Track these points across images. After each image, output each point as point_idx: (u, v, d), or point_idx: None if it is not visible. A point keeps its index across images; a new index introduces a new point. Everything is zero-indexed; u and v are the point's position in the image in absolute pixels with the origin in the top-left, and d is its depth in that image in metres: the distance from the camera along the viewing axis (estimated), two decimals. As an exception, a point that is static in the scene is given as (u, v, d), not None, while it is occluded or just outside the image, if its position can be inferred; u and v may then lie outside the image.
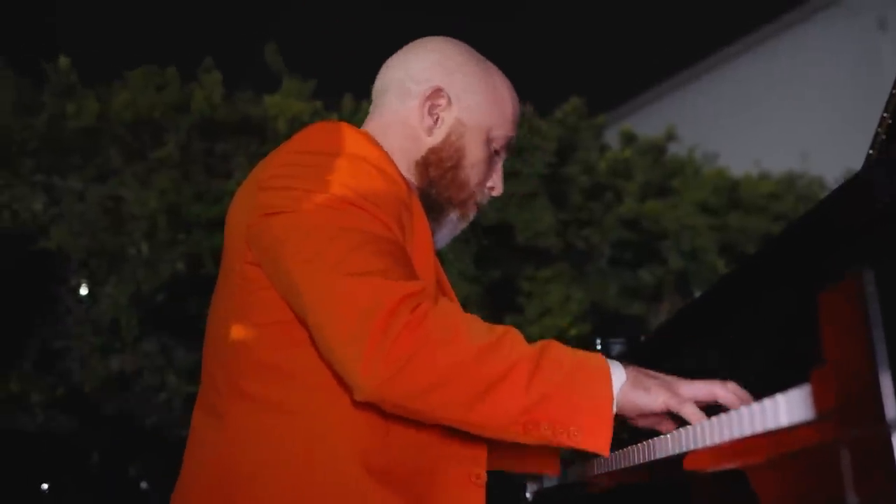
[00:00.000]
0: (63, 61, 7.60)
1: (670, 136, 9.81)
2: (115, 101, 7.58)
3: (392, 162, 1.49)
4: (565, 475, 1.80)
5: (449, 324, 1.25)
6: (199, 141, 7.74)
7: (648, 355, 1.98)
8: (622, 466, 1.36)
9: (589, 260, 8.92)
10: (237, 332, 1.40)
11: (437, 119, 1.58)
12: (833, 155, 8.72)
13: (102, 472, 6.95)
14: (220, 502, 1.34)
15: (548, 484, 1.98)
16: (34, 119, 7.39)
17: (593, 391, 1.24)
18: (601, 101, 10.46)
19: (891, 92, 1.59)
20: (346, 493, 1.31)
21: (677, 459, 1.11)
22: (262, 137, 7.83)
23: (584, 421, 1.23)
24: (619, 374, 1.27)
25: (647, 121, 11.82)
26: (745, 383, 1.28)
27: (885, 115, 1.56)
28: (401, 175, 1.49)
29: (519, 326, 1.31)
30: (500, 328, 1.28)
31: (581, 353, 1.28)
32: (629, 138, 9.82)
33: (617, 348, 2.25)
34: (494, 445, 1.48)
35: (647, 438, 1.29)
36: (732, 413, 0.96)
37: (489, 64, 1.66)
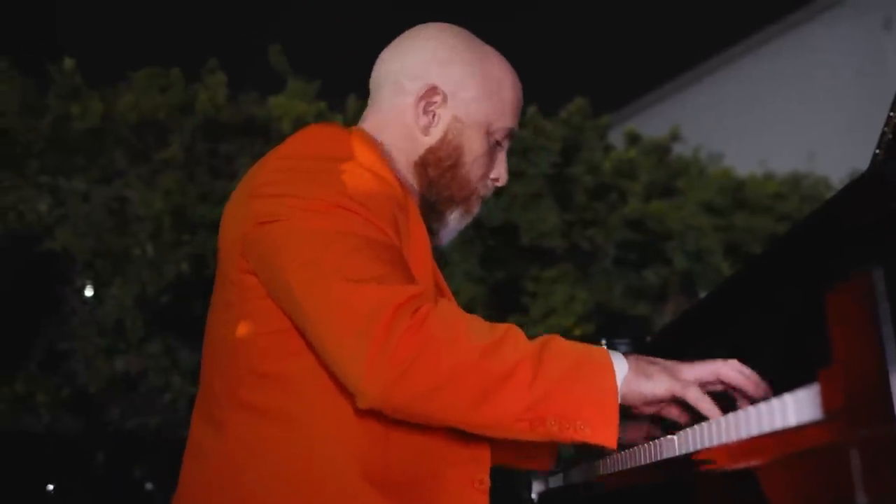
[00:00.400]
0: (68, 63, 7.61)
1: (675, 137, 9.79)
2: (120, 103, 7.59)
3: (386, 163, 1.47)
4: (570, 475, 1.80)
5: (450, 325, 1.24)
6: (203, 142, 7.74)
7: (654, 356, 1.97)
8: (629, 466, 1.36)
9: (594, 260, 8.91)
10: (235, 340, 1.39)
11: (433, 117, 1.54)
12: (838, 155, 8.71)
13: (107, 472, 6.95)
14: None
15: (553, 484, 1.97)
16: (39, 121, 7.41)
17: (597, 384, 1.23)
18: (606, 101, 10.46)
19: (897, 91, 1.58)
20: (346, 501, 1.30)
21: (684, 459, 1.11)
22: (266, 138, 7.83)
23: (590, 414, 1.22)
24: (621, 365, 1.26)
25: (652, 121, 11.81)
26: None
27: (891, 114, 1.55)
28: (396, 176, 1.47)
29: (523, 327, 1.29)
30: (501, 327, 1.27)
31: (582, 347, 1.27)
32: (634, 138, 9.81)
33: (622, 349, 2.24)
34: (493, 444, 1.46)
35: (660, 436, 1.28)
36: (740, 413, 0.95)
37: (487, 50, 1.60)
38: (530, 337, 1.28)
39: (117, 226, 7.26)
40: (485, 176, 1.59)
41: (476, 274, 8.12)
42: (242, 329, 1.38)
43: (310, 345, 1.32)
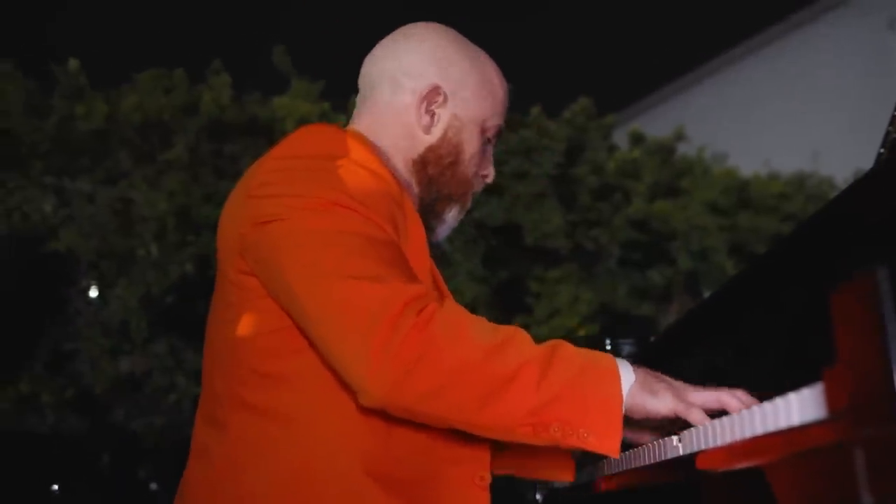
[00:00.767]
0: (72, 64, 7.62)
1: (679, 137, 9.78)
2: (125, 104, 7.60)
3: (382, 162, 1.48)
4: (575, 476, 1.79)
5: (455, 325, 1.24)
6: (207, 143, 7.75)
7: (658, 356, 1.97)
8: (633, 467, 1.36)
9: (598, 260, 8.90)
10: (235, 340, 1.39)
11: (433, 116, 1.55)
12: (843, 155, 8.69)
13: (112, 473, 6.96)
14: None
15: (558, 485, 1.97)
16: (44, 122, 7.42)
17: (603, 392, 1.23)
18: (610, 101, 10.45)
19: (902, 90, 1.58)
20: (350, 499, 1.30)
21: (688, 460, 1.11)
22: (270, 139, 7.84)
23: (594, 422, 1.22)
24: (627, 375, 1.26)
25: (656, 121, 11.80)
26: (755, 383, 1.27)
27: (895, 113, 1.55)
28: (392, 174, 1.48)
29: (527, 327, 1.29)
30: (507, 328, 1.27)
31: (590, 354, 1.27)
32: (638, 138, 9.80)
33: (626, 349, 2.24)
34: (507, 450, 1.46)
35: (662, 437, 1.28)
36: (744, 412, 0.95)
37: (478, 50, 1.62)
38: (535, 337, 1.28)
39: (122, 226, 7.27)
40: (478, 173, 1.61)
41: (479, 274, 8.12)
42: (243, 329, 1.39)
43: (311, 343, 1.32)
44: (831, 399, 0.79)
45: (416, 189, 1.56)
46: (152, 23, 12.88)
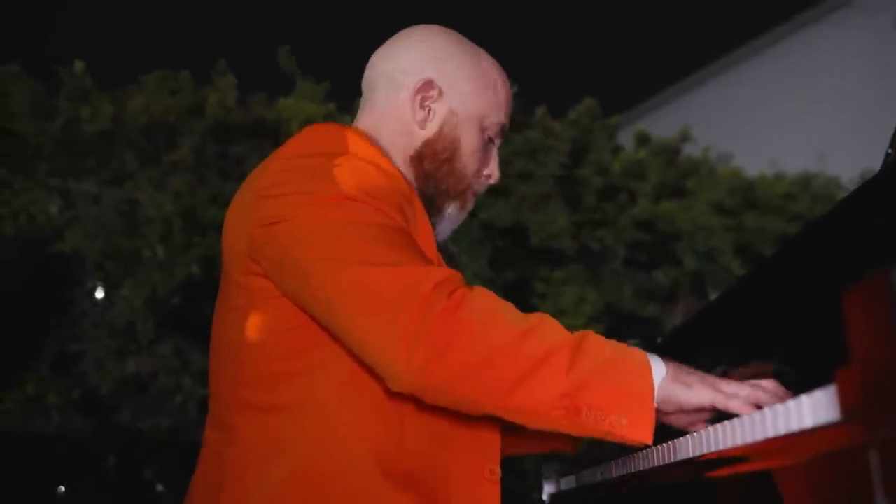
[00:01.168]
0: (78, 65, 7.62)
1: (684, 137, 9.76)
2: (130, 105, 7.60)
3: (387, 158, 1.48)
4: (582, 476, 1.79)
5: (487, 308, 1.24)
6: (213, 144, 7.75)
7: (663, 357, 1.96)
8: (643, 468, 1.35)
9: (603, 261, 8.88)
10: (242, 342, 1.39)
11: (429, 111, 1.55)
12: (849, 155, 8.68)
13: (118, 474, 6.96)
14: None
15: (565, 486, 1.97)
16: (49, 123, 7.43)
17: (634, 380, 1.22)
18: (615, 102, 10.43)
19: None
20: (362, 495, 1.30)
21: (700, 461, 1.10)
22: (275, 140, 7.83)
23: (627, 409, 1.21)
24: (659, 368, 1.25)
25: (661, 122, 11.78)
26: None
27: (904, 113, 1.55)
28: (398, 170, 1.49)
29: (533, 328, 1.30)
30: (536, 314, 1.27)
31: (621, 345, 1.27)
32: (643, 139, 9.78)
33: (633, 349, 2.23)
34: (511, 430, 1.45)
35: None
36: (756, 415, 0.95)
37: (478, 49, 1.63)
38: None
39: (128, 228, 7.27)
40: (479, 171, 1.61)
41: (485, 275, 8.11)
42: (250, 331, 1.39)
43: (317, 341, 1.32)
44: (844, 400, 0.78)
45: (414, 185, 1.56)
46: (158, 25, 12.90)
